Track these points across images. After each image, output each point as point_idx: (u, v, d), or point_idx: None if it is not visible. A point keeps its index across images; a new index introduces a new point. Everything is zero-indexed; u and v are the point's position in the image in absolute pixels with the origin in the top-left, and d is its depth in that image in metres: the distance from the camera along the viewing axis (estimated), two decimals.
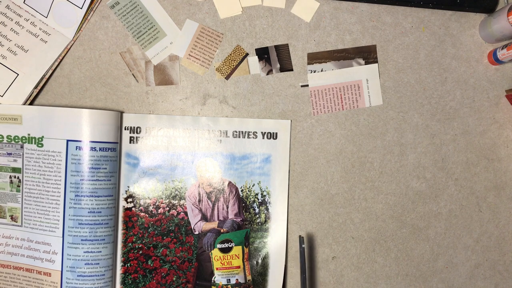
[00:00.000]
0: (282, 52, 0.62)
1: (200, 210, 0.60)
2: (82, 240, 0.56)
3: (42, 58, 0.59)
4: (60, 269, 0.57)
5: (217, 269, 0.60)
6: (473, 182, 0.63)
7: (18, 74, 0.59)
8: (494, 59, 0.62)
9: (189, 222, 0.60)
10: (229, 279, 0.60)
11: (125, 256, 0.60)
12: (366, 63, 0.62)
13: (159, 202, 0.60)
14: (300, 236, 0.55)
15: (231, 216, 0.61)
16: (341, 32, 0.62)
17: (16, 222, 0.58)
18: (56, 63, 0.60)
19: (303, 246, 0.53)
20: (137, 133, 0.60)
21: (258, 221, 0.61)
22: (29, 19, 0.59)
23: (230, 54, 0.61)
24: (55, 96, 0.61)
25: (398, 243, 0.63)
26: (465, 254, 0.63)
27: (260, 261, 0.61)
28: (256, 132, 0.61)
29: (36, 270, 0.57)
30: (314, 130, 0.62)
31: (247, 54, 0.62)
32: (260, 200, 0.61)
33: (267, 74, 0.62)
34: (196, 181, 0.61)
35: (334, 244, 0.62)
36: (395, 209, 0.63)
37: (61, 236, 0.57)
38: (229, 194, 0.61)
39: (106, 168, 0.57)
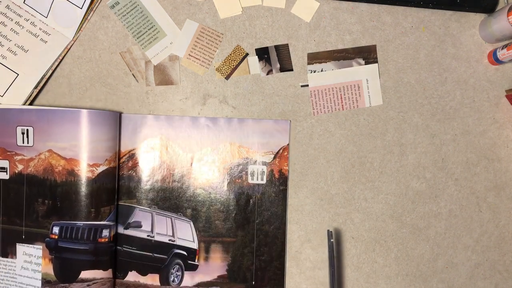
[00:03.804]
0: (282, 52, 0.62)
1: None
2: None
3: (42, 58, 0.59)
4: None
5: None
6: (473, 182, 0.63)
7: (18, 74, 0.59)
8: (494, 59, 0.62)
9: None
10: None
11: None
12: (366, 63, 0.62)
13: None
14: (328, 230, 0.55)
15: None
16: (341, 32, 0.62)
17: None
18: (56, 63, 0.60)
19: (331, 240, 0.54)
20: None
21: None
22: (29, 19, 0.59)
23: (230, 54, 0.61)
24: (55, 96, 0.61)
25: (398, 243, 0.63)
26: (465, 254, 0.63)
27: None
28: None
29: None
30: (314, 130, 0.62)
31: (247, 54, 0.62)
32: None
33: (267, 74, 0.62)
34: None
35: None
36: (395, 209, 0.63)
37: None
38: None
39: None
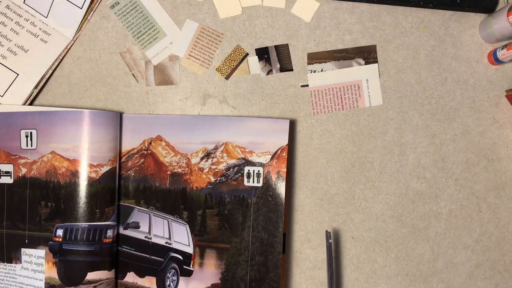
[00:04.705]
0: (282, 52, 0.62)
1: None
2: None
3: (42, 58, 0.59)
4: None
5: None
6: (473, 182, 0.63)
7: (18, 74, 0.59)
8: (494, 59, 0.62)
9: None
10: None
11: None
12: (366, 63, 0.62)
13: None
14: (326, 231, 0.55)
15: None
16: (341, 32, 0.62)
17: None
18: (56, 63, 0.60)
19: (330, 241, 0.53)
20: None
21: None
22: (29, 19, 0.59)
23: (230, 54, 0.61)
24: (55, 96, 0.61)
25: (398, 243, 0.63)
26: (465, 254, 0.63)
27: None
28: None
29: None
30: (314, 130, 0.62)
31: (247, 54, 0.62)
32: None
33: (267, 74, 0.62)
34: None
35: (334, 244, 0.62)
36: (395, 209, 0.63)
37: None
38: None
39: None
